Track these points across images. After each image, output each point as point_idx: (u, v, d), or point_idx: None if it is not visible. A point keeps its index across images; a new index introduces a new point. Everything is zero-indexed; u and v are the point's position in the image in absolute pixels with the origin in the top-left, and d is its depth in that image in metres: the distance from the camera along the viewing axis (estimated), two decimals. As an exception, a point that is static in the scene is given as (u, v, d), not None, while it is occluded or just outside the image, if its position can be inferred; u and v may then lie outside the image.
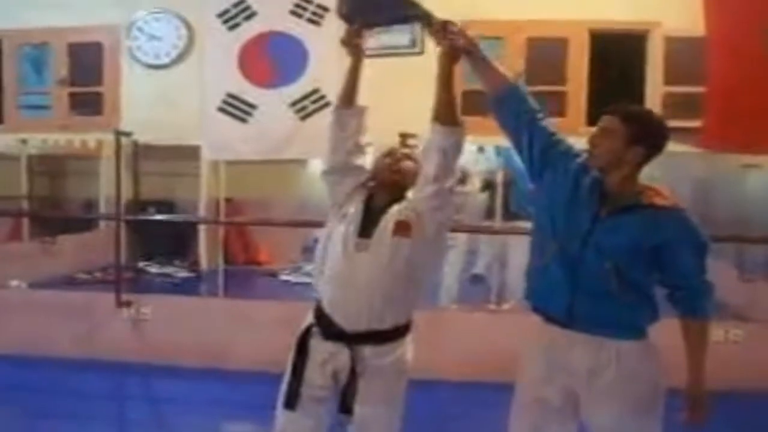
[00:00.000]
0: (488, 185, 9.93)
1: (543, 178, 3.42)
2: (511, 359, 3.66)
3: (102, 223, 12.05)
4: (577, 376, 3.27)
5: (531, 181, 3.55)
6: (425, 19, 3.46)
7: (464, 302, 8.58)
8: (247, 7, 7.41)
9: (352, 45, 3.93)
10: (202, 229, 11.72)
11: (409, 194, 3.69)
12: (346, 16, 3.70)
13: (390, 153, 3.86)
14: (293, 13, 7.32)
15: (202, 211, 11.27)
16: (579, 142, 3.46)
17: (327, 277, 3.64)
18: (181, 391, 6.96)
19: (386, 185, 3.72)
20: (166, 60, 7.66)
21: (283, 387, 3.70)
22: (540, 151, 3.40)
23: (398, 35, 7.04)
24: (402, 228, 3.56)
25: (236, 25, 7.44)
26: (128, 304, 7.50)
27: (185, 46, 7.62)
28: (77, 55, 7.91)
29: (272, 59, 7.38)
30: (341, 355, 3.58)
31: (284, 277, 10.92)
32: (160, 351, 7.26)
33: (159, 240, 11.36)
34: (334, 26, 7.12)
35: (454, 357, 6.83)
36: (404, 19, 3.72)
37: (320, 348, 3.64)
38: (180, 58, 7.65)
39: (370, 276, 3.55)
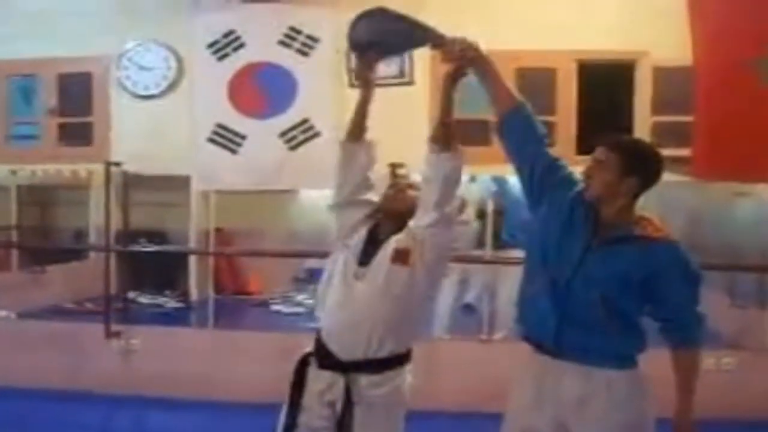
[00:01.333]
0: (480, 214, 9.94)
1: (540, 204, 3.42)
2: (504, 388, 3.65)
3: (92, 254, 12.02)
4: (567, 406, 3.25)
5: (528, 205, 3.54)
6: (437, 39, 3.47)
7: (456, 332, 8.55)
8: (237, 38, 7.44)
9: (364, 77, 3.91)
10: (192, 259, 11.68)
11: (411, 223, 3.71)
12: (360, 45, 3.69)
13: (394, 184, 3.94)
14: (282, 43, 7.35)
15: (192, 242, 11.23)
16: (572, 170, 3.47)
17: (327, 306, 3.69)
18: (171, 422, 6.91)
19: (391, 215, 3.77)
20: (155, 90, 7.66)
21: (282, 417, 3.74)
22: (540, 176, 3.40)
23: (387, 65, 7.05)
24: (400, 255, 3.60)
25: (225, 56, 7.47)
26: (117, 334, 7.46)
27: (175, 76, 7.62)
28: (67, 86, 7.92)
29: (262, 90, 7.40)
30: (337, 384, 3.62)
31: (275, 307, 10.87)
32: (149, 382, 7.21)
33: (149, 270, 11.28)
34: (323, 57, 7.23)
35: (449, 387, 6.80)
36: (417, 43, 3.72)
37: (317, 378, 3.68)
38: (170, 88, 7.65)
39: (368, 304, 3.60)
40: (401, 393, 3.74)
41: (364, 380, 3.62)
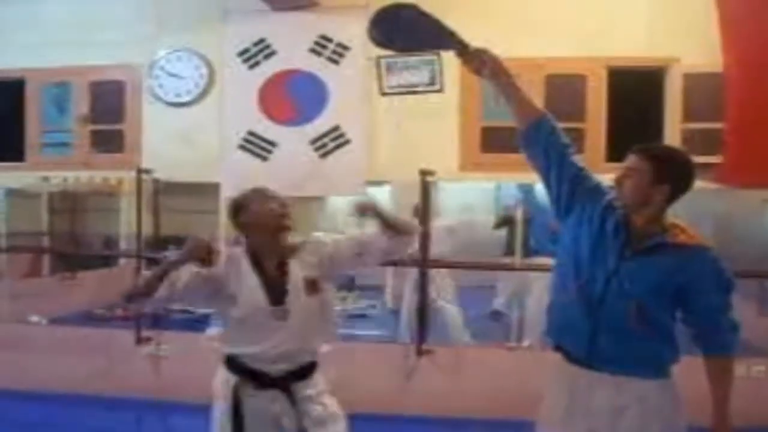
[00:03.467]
0: (506, 222, 9.96)
1: (569, 214, 3.40)
2: (531, 397, 3.65)
3: (122, 260, 12.09)
4: (600, 417, 3.24)
5: (557, 216, 3.52)
6: (459, 45, 3.46)
7: (484, 339, 8.55)
8: (267, 46, 7.48)
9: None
10: (221, 265, 11.72)
11: (302, 246, 3.80)
12: (380, 42, 3.69)
13: (271, 197, 3.80)
14: (312, 51, 7.38)
15: (221, 249, 11.26)
16: (599, 179, 3.46)
17: (250, 339, 3.69)
18: (201, 428, 6.94)
19: (272, 233, 3.73)
20: (186, 98, 7.70)
21: None
22: (568, 186, 3.38)
23: (418, 73, 7.09)
24: (311, 286, 3.72)
25: (256, 64, 7.51)
26: (148, 340, 7.49)
27: (206, 84, 7.66)
28: (99, 94, 7.96)
29: (292, 97, 7.43)
30: (278, 400, 3.72)
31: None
32: (178, 388, 7.24)
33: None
34: (354, 65, 7.26)
35: (476, 393, 6.80)
36: (441, 44, 3.70)
37: (258, 398, 3.72)
38: (201, 96, 7.69)
39: (297, 331, 3.69)
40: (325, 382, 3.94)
41: (299, 386, 3.75)
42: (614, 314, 3.19)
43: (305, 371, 3.80)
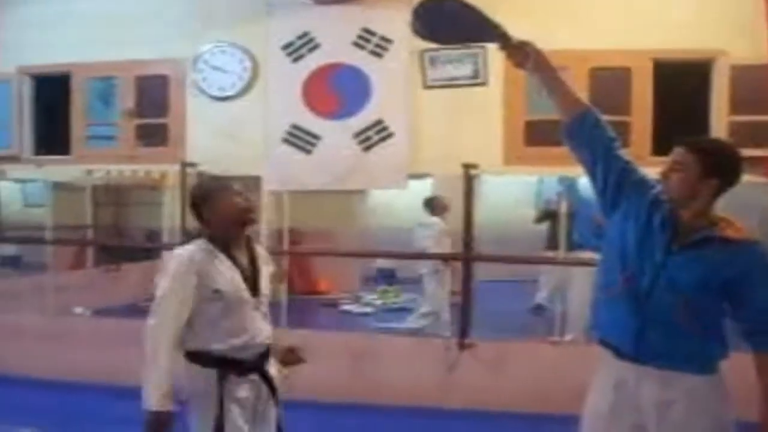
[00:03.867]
0: (548, 216, 9.92)
1: (615, 209, 3.37)
2: (575, 391, 3.63)
3: (165, 253, 12.17)
4: (646, 412, 3.21)
5: (602, 210, 3.49)
6: (503, 38, 3.43)
7: (527, 333, 8.52)
8: (311, 40, 7.50)
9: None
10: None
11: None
12: (422, 34, 3.67)
13: (236, 191, 3.74)
14: (356, 44, 7.38)
15: (263, 241, 11.32)
16: (645, 172, 3.43)
17: (234, 329, 3.69)
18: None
19: (238, 227, 3.73)
20: (230, 92, 7.74)
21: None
22: (615, 180, 3.35)
23: (461, 66, 7.06)
24: (276, 278, 4.10)
25: (300, 57, 7.53)
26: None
27: (250, 78, 7.69)
28: (143, 88, 8.04)
29: (336, 91, 7.44)
30: (257, 382, 3.81)
31: (345, 307, 10.91)
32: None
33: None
34: (397, 58, 7.25)
35: (518, 388, 6.78)
36: (480, 38, 3.67)
37: (239, 385, 3.73)
38: (244, 90, 7.72)
39: (265, 320, 3.86)
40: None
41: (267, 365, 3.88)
42: (661, 309, 3.15)
43: (269, 352, 3.90)
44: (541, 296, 10.54)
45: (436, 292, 9.50)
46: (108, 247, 12.16)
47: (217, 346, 3.65)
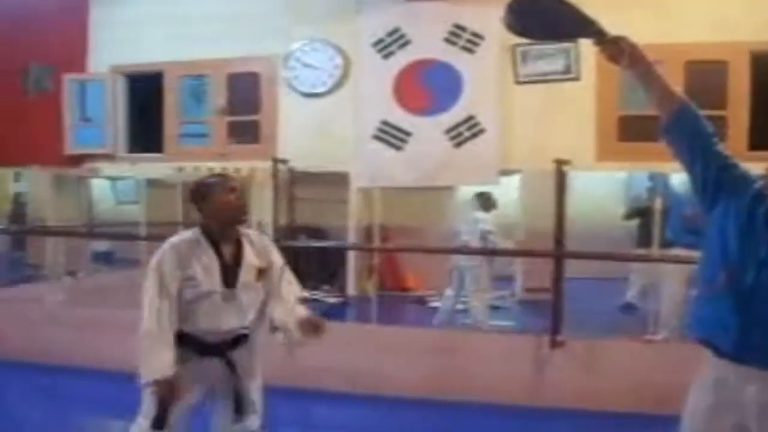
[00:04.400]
0: (637, 212, 9.79)
1: (716, 204, 3.30)
2: (668, 391, 3.58)
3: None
4: (749, 412, 3.13)
5: (702, 207, 3.42)
6: (598, 34, 3.37)
7: (617, 332, 8.41)
8: (402, 36, 7.52)
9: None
10: (350, 255, 11.84)
11: (253, 237, 4.09)
12: (516, 31, 3.63)
13: (232, 189, 3.95)
14: (447, 41, 7.38)
15: (351, 238, 11.37)
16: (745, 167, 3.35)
17: (202, 315, 3.89)
18: (333, 415, 7.03)
19: (229, 223, 3.95)
20: (321, 89, 7.81)
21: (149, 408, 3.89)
22: (715, 176, 3.27)
23: (553, 61, 7.01)
24: (262, 274, 3.99)
25: (391, 54, 7.56)
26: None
27: (340, 75, 7.76)
28: (235, 86, 8.16)
29: (427, 87, 7.45)
30: (217, 366, 3.97)
31: (433, 304, 10.88)
32: (311, 375, 7.33)
33: (308, 265, 11.50)
34: (488, 54, 7.22)
35: (611, 387, 6.68)
36: (575, 34, 3.62)
37: (199, 364, 3.94)
38: (335, 86, 7.79)
39: (246, 309, 3.97)
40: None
41: (236, 353, 4.01)
42: (766, 306, 3.08)
43: (239, 340, 4.03)
44: (631, 294, 10.40)
45: (478, 285, 9.48)
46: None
47: (186, 327, 3.89)
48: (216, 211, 3.88)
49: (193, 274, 3.83)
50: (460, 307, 9.97)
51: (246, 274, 3.93)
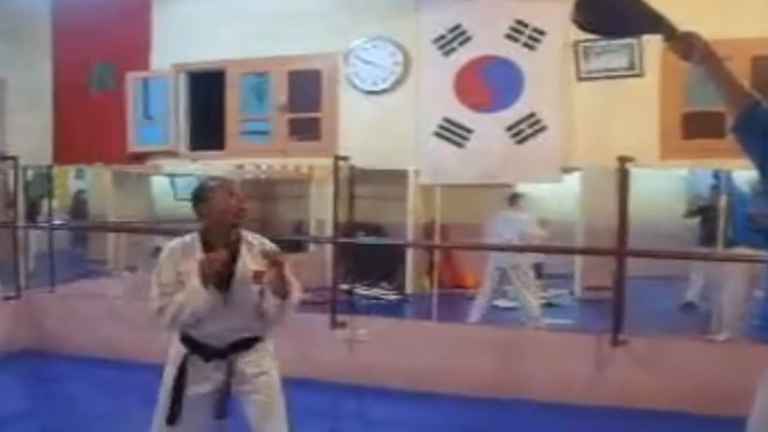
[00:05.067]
0: (700, 211, 9.70)
1: (787, 204, 3.26)
2: (732, 392, 3.54)
3: (311, 246, 12.39)
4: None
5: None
6: (669, 30, 3.33)
7: (677, 331, 8.33)
8: (463, 32, 7.49)
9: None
10: (409, 253, 11.85)
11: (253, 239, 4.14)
12: (584, 27, 3.60)
13: (232, 193, 4.03)
14: (509, 37, 7.34)
15: (409, 236, 11.38)
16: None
17: (195, 322, 3.96)
18: (392, 413, 7.05)
19: (227, 226, 4.02)
20: (382, 86, 7.81)
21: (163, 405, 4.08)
22: (789, 175, 3.24)
23: (617, 57, 6.95)
24: (259, 276, 3.95)
25: (452, 50, 7.54)
26: (343, 325, 7.61)
27: (401, 72, 7.75)
28: (296, 83, 8.20)
29: (488, 83, 7.42)
30: (221, 367, 4.05)
31: (492, 302, 10.86)
32: (372, 372, 7.35)
33: (366, 263, 11.53)
34: (550, 50, 7.19)
35: (673, 387, 6.62)
36: (644, 30, 3.59)
37: (202, 369, 4.06)
38: (396, 83, 7.79)
39: (242, 311, 4.01)
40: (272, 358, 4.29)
41: (240, 358, 4.07)
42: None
43: (244, 344, 4.09)
44: (692, 294, 10.31)
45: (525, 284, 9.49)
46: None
47: (184, 329, 4.05)
48: (213, 214, 3.97)
49: (185, 277, 3.92)
50: (509, 305, 10.02)
51: (241, 277, 3.96)
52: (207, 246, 3.99)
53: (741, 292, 8.04)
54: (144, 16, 8.86)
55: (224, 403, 4.08)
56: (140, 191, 11.52)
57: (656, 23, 3.34)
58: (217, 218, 3.96)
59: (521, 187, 9.56)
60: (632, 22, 3.45)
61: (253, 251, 4.06)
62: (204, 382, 4.04)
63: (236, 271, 3.98)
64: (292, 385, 7.10)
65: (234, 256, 3.99)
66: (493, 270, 9.51)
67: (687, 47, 3.29)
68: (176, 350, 4.11)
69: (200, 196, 4.02)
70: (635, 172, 7.10)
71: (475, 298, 9.64)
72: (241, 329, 4.05)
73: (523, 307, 9.60)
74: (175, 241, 4.11)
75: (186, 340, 4.07)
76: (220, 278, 3.91)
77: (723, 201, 7.96)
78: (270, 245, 4.16)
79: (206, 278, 3.81)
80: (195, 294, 3.83)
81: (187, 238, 4.07)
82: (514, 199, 9.51)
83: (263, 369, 4.16)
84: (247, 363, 4.09)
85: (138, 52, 8.88)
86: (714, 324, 8.29)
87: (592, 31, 3.71)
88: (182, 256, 4.00)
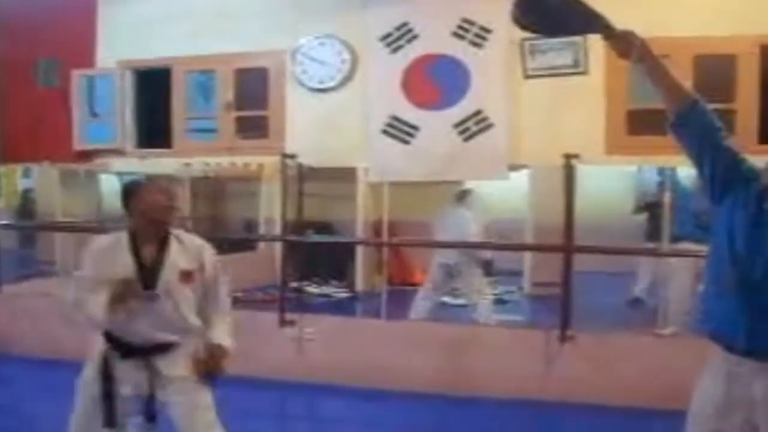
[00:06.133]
0: (647, 207, 9.78)
1: (724, 199, 3.29)
2: (677, 386, 3.57)
3: (261, 244, 12.34)
4: (759, 408, 3.12)
5: (711, 202, 3.41)
6: (606, 29, 3.36)
7: (625, 326, 8.41)
8: (410, 30, 7.49)
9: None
10: (359, 250, 11.85)
11: (185, 238, 4.15)
12: (522, 25, 3.61)
13: (160, 190, 4.05)
14: (455, 35, 7.35)
15: (359, 233, 11.38)
16: (751, 161, 3.33)
17: (120, 321, 3.90)
18: (342, 410, 7.05)
19: (155, 223, 4.00)
20: (329, 84, 7.78)
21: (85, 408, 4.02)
22: (723, 171, 3.26)
23: (562, 55, 6.99)
24: (186, 277, 4.00)
25: (399, 48, 7.53)
26: (291, 323, 7.60)
27: (349, 69, 7.72)
28: (243, 81, 8.16)
29: (435, 81, 7.42)
30: (141, 367, 4.00)
31: (442, 299, 10.87)
32: (321, 370, 7.34)
33: (316, 261, 11.51)
34: (496, 48, 7.20)
35: (621, 382, 6.68)
36: (583, 29, 3.61)
37: (122, 366, 4.01)
38: (343, 81, 7.76)
39: (168, 311, 3.98)
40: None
41: (161, 358, 4.02)
42: (775, 302, 3.06)
43: (169, 345, 4.04)
44: (639, 289, 10.40)
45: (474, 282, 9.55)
46: (207, 238, 12.34)
47: (109, 328, 4.00)
48: (142, 211, 3.96)
49: (108, 275, 3.87)
50: (458, 302, 10.05)
51: (168, 276, 3.94)
52: (135, 244, 3.98)
53: (687, 287, 8.13)
54: (90, 13, 8.74)
55: (151, 405, 4.03)
56: (88, 190, 11.39)
57: (594, 22, 3.36)
58: (146, 216, 3.95)
59: (470, 185, 9.58)
60: (570, 21, 3.47)
61: (184, 249, 4.04)
62: (125, 383, 3.98)
63: (163, 269, 3.96)
64: (240, 384, 7.08)
65: (162, 254, 3.98)
66: (437, 266, 9.53)
67: (625, 46, 3.32)
68: (97, 347, 4.07)
69: (129, 193, 4.01)
70: (584, 169, 7.16)
71: (417, 295, 9.64)
72: (166, 329, 4.00)
73: (472, 304, 9.63)
74: (103, 238, 4.09)
75: (108, 336, 4.02)
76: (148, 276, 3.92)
77: (668, 197, 8.02)
78: (200, 243, 4.17)
79: (114, 303, 3.77)
80: (97, 308, 3.80)
81: (115, 236, 4.04)
82: (462, 196, 9.53)
83: (185, 371, 4.07)
84: (169, 365, 4.03)
85: (84, 49, 8.75)
86: (660, 319, 8.37)
87: (531, 30, 3.73)
88: (107, 254, 3.98)
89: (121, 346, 3.99)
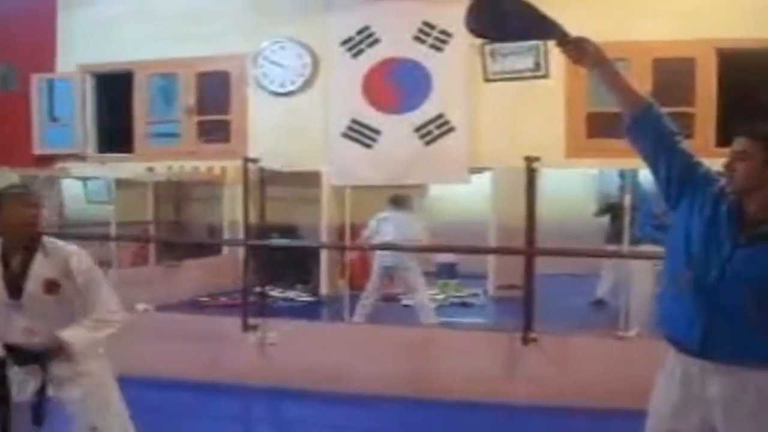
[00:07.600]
0: (608, 209, 9.86)
1: (680, 202, 3.32)
2: (639, 387, 3.59)
3: (225, 249, 12.30)
4: (714, 407, 3.14)
5: (667, 205, 3.44)
6: (559, 35, 3.38)
7: (588, 327, 8.46)
8: (371, 34, 7.48)
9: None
10: (323, 254, 11.84)
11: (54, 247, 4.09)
12: (476, 31, 3.62)
13: (24, 202, 4.05)
14: (416, 39, 7.35)
15: (323, 237, 11.36)
16: (709, 164, 3.36)
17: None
18: (305, 415, 7.04)
19: (20, 234, 4.02)
20: (291, 87, 7.76)
21: None
22: (678, 174, 3.29)
23: (522, 59, 7.01)
24: (51, 287, 3.98)
25: (360, 52, 7.52)
26: (254, 328, 7.58)
27: (310, 73, 7.70)
28: (205, 85, 8.12)
29: (396, 85, 7.43)
30: (35, 372, 4.00)
31: (406, 302, 10.90)
32: (285, 375, 7.33)
33: (280, 265, 11.49)
34: (457, 52, 7.22)
35: (583, 383, 6.73)
36: (536, 36, 3.63)
37: (17, 374, 4.00)
38: (305, 85, 7.73)
39: (33, 324, 3.97)
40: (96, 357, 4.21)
41: (54, 361, 4.00)
42: (729, 304, 3.08)
43: (55, 352, 3.98)
44: (601, 290, 10.48)
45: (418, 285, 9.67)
46: (170, 243, 12.29)
47: None
48: (7, 222, 3.96)
49: None
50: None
51: (32, 286, 3.94)
52: (4, 253, 4.01)
53: (648, 288, 8.17)
54: (49, 16, 8.66)
55: (40, 408, 4.02)
56: (49, 195, 11.30)
57: (548, 29, 3.39)
58: (11, 227, 3.97)
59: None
60: (524, 28, 3.49)
61: (50, 259, 4.03)
62: (21, 389, 3.99)
63: (28, 279, 3.97)
64: (203, 389, 7.07)
65: (28, 263, 3.99)
66: (379, 268, 9.58)
67: (579, 52, 3.35)
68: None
69: None
70: (547, 172, 7.20)
71: (361, 297, 9.67)
72: (45, 334, 3.96)
73: (416, 307, 9.69)
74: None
75: (4, 344, 4.02)
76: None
77: (628, 199, 8.07)
78: (70, 250, 4.14)
79: None
80: None
81: None
82: (396, 201, 9.61)
83: (82, 369, 4.07)
84: (62, 365, 4.02)
85: (43, 53, 8.67)
86: (622, 320, 8.41)
87: (485, 37, 3.75)
88: None
89: (14, 353, 3.99)
